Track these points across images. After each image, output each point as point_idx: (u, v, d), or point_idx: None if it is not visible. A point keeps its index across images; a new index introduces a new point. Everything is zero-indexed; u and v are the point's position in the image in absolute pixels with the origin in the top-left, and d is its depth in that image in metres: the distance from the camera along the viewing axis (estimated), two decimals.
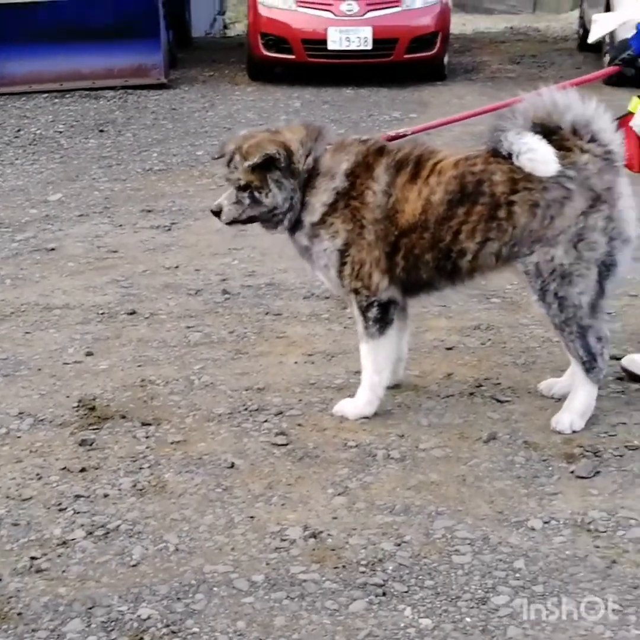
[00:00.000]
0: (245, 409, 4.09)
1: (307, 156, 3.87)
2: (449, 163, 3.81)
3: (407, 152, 3.87)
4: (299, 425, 3.96)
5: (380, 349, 3.95)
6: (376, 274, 3.87)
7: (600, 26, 4.64)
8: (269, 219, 3.94)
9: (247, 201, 3.88)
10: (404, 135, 4.15)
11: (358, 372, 4.08)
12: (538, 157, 3.62)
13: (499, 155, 3.72)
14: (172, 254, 6.22)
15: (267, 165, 3.82)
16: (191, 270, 5.89)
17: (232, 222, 3.97)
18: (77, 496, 3.48)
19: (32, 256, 6.20)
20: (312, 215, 3.90)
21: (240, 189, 3.88)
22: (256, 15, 12.51)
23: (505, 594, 2.94)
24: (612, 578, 3.00)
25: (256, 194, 3.86)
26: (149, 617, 2.87)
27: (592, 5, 13.61)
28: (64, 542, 3.23)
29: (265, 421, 3.99)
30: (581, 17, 15.47)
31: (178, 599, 2.95)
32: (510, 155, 3.67)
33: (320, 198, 3.88)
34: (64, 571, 3.09)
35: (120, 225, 6.86)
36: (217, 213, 3.95)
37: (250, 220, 3.97)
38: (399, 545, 3.17)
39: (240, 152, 3.86)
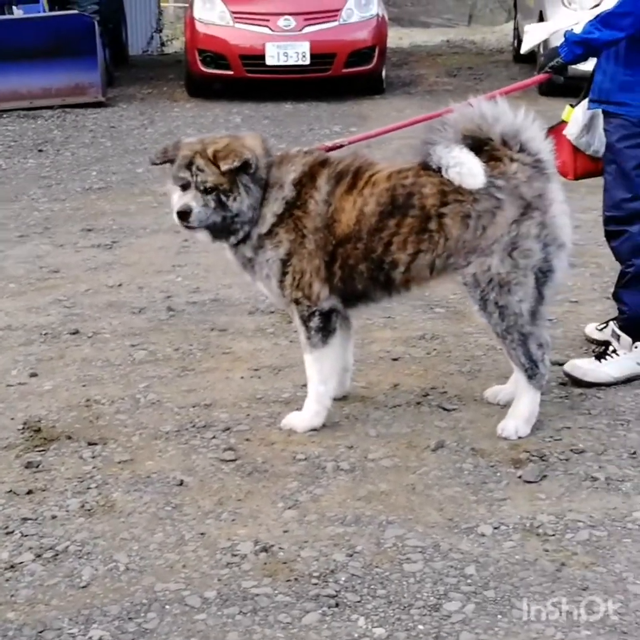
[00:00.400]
0: (193, 426, 4.07)
1: (265, 165, 3.86)
2: (382, 175, 3.84)
3: (348, 163, 3.89)
4: (247, 440, 3.95)
5: (324, 359, 3.96)
6: (316, 283, 3.87)
7: (532, 36, 4.70)
8: (226, 227, 3.83)
9: (212, 204, 3.78)
10: (341, 146, 4.19)
11: (305, 386, 4.08)
12: (465, 170, 3.66)
13: (429, 168, 3.75)
14: (115, 273, 6.18)
15: (239, 169, 3.75)
16: (134, 288, 5.86)
17: (198, 227, 3.81)
18: (25, 519, 3.44)
19: None
20: (261, 227, 3.87)
21: (206, 191, 3.78)
22: (193, 32, 12.51)
23: (457, 600, 2.95)
24: (561, 580, 3.04)
25: (222, 197, 3.78)
26: (100, 639, 2.83)
27: (526, 17, 13.81)
28: (12, 566, 3.18)
29: (213, 437, 3.97)
30: (516, 29, 15.71)
31: (130, 618, 2.92)
32: (440, 169, 3.71)
33: (272, 208, 3.86)
34: (12, 595, 3.05)
35: (61, 245, 6.80)
36: (184, 214, 3.78)
37: (212, 227, 3.83)
38: (350, 555, 3.17)
39: (204, 155, 3.76)
